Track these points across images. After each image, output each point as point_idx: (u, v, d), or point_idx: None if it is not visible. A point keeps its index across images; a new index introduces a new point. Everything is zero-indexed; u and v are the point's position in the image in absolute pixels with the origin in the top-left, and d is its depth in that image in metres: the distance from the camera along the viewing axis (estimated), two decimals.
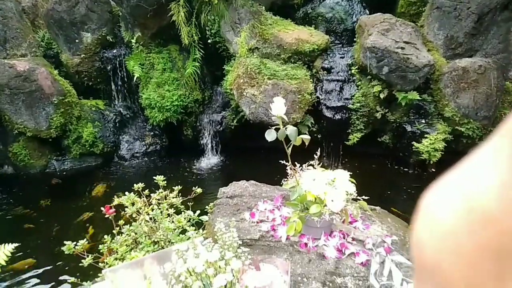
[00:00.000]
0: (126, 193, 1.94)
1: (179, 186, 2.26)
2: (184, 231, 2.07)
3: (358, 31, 4.83)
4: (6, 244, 1.16)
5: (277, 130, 1.45)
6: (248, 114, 4.60)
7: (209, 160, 5.45)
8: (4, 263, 1.08)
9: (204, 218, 2.15)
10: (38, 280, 3.09)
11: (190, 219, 2.10)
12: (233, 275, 1.43)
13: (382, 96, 4.47)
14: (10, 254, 1.12)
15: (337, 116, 4.73)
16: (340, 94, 4.84)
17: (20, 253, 3.29)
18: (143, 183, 2.12)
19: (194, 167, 5.33)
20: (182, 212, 2.15)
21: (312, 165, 1.60)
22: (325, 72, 4.96)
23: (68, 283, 1.72)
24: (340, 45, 5.42)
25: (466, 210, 0.23)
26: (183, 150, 5.69)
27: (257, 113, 4.51)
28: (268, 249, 1.64)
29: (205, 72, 5.52)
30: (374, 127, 4.82)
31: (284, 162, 1.62)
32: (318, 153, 1.62)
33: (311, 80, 4.71)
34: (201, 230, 1.89)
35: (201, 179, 4.92)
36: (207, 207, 2.26)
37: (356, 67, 4.72)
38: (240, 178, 2.64)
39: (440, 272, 0.24)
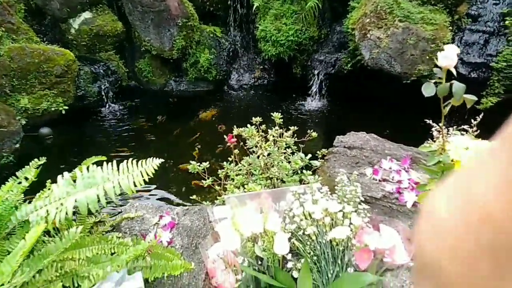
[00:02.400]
0: (248, 125, 1.96)
1: (295, 127, 2.20)
2: (295, 172, 2.05)
3: None
4: (154, 158, 1.23)
5: (436, 84, 1.23)
6: (367, 59, 4.20)
7: (314, 103, 5.29)
8: (151, 175, 1.16)
9: (315, 163, 2.08)
10: (153, 192, 3.48)
11: (302, 161, 2.06)
12: (351, 230, 1.37)
13: None
14: (157, 168, 1.19)
15: (473, 74, 4.04)
16: (484, 48, 4.08)
17: None
18: (260, 117, 2.11)
19: (297, 107, 5.25)
20: (295, 153, 2.12)
21: (465, 131, 1.36)
22: (470, 20, 4.18)
23: (190, 199, 1.87)
24: None
25: (466, 210, 0.23)
26: (289, 88, 5.60)
27: (378, 59, 4.09)
28: (389, 211, 1.52)
29: (326, 6, 5.11)
30: None
31: (429, 122, 1.41)
32: (479, 118, 1.36)
33: (450, 27, 4.02)
34: (316, 176, 1.84)
35: (303, 121, 4.84)
36: (318, 152, 2.17)
37: None
38: (345, 128, 2.44)
39: (440, 271, 0.24)
